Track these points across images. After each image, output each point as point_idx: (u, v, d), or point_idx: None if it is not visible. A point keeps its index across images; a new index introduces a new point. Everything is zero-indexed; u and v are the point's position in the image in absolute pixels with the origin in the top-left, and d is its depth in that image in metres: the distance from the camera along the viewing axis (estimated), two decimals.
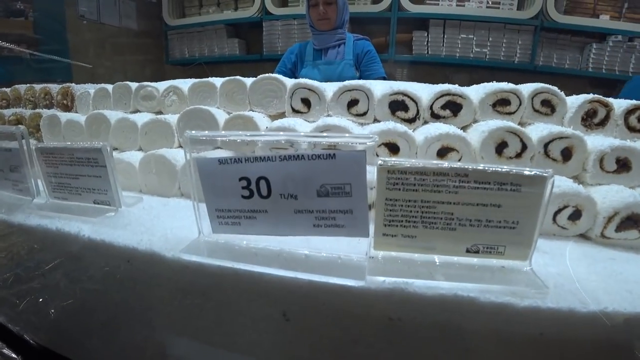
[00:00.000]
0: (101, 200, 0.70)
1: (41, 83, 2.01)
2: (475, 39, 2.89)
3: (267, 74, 0.81)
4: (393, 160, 0.43)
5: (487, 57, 2.89)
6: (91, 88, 1.16)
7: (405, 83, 0.76)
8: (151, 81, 1.17)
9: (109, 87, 1.07)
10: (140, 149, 0.91)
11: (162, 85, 0.97)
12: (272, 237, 0.48)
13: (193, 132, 0.47)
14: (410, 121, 0.74)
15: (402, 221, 0.45)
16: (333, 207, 0.43)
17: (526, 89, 0.73)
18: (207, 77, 0.93)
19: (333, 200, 0.43)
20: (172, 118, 0.86)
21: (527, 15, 2.70)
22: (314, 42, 1.87)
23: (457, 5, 2.92)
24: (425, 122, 0.75)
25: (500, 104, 0.73)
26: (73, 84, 1.22)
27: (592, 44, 2.55)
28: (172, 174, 0.76)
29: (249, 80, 0.84)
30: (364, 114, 0.76)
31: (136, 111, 1.02)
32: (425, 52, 3.01)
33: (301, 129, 0.70)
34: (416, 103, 0.73)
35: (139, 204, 0.73)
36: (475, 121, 0.74)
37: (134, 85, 1.02)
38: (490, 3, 2.84)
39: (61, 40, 2.74)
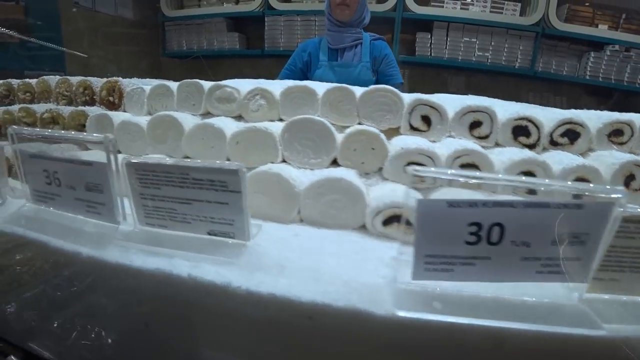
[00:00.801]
0: (221, 231, 0.58)
1: (32, 72, 1.87)
2: (477, 42, 2.95)
3: (381, 85, 0.78)
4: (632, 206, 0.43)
5: (489, 61, 2.96)
6: (146, 84, 1.04)
7: (527, 106, 0.77)
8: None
9: (172, 84, 0.97)
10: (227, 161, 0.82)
11: (243, 86, 0.89)
12: (471, 283, 0.47)
13: (418, 167, 0.44)
14: (530, 147, 0.75)
15: (612, 266, 0.46)
16: (563, 254, 0.43)
17: (638, 120, 0.76)
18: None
19: (565, 248, 0.43)
20: (274, 127, 0.79)
21: (529, 22, 2.79)
22: (329, 41, 1.78)
23: (461, 8, 2.97)
24: (544, 149, 0.76)
25: (614, 134, 0.76)
26: (120, 78, 1.09)
27: (590, 52, 2.68)
28: (291, 196, 0.69)
29: (358, 90, 0.80)
30: (486, 136, 0.76)
31: (207, 114, 0.94)
32: (428, 54, 3.05)
33: (439, 152, 0.69)
34: (539, 129, 0.74)
35: (261, 234, 0.64)
36: (590, 150, 0.76)
37: (207, 84, 0.92)
38: (493, 8, 2.91)
39: (54, 27, 2.54)
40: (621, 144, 0.76)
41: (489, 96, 0.83)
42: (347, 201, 0.66)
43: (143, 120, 0.93)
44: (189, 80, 0.93)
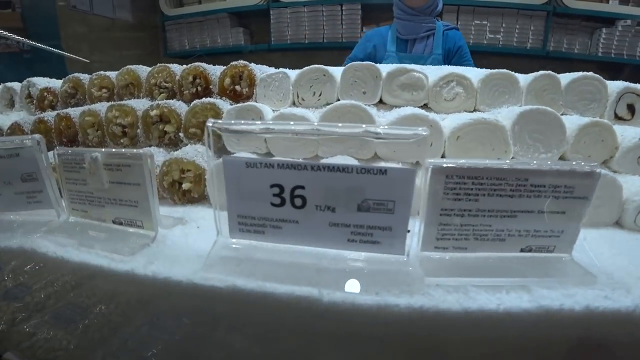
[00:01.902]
0: (540, 245, 0.48)
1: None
2: (489, 25, 2.95)
3: (588, 73, 0.73)
4: None
5: (500, 43, 2.97)
6: (291, 73, 0.85)
7: None
8: None
9: (332, 68, 0.81)
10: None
11: (432, 72, 0.80)
12: None
13: None
14: None
15: None
16: None
17: None
18: None
19: None
20: (501, 118, 0.69)
21: (540, 1, 2.82)
22: (398, 30, 1.64)
23: None
24: None
25: None
26: (247, 62, 0.89)
27: (601, 28, 2.74)
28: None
29: (565, 77, 0.74)
30: None
31: (379, 102, 0.82)
32: None
33: None
34: None
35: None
36: None
37: (384, 67, 0.80)
38: None
39: (52, 33, 2.32)
40: None
41: None
42: (606, 197, 0.60)
43: (305, 112, 0.77)
44: (360, 62, 0.80)
